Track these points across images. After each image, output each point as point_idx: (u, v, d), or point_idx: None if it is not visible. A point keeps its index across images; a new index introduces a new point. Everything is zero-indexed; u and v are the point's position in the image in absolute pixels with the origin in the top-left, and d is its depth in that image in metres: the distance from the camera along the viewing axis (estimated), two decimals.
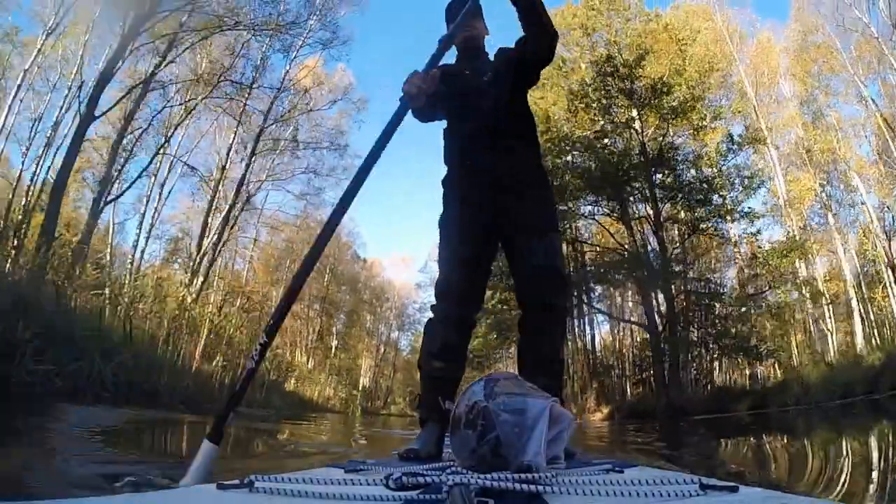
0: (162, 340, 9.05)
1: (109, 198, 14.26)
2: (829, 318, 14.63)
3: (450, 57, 2.06)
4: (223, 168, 17.61)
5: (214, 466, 1.23)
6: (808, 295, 12.99)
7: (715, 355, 13.81)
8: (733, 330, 13.18)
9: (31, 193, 13.04)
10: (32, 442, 2.55)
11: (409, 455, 1.69)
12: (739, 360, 13.13)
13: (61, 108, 14.44)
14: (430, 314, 2.01)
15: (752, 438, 5.58)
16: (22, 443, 2.49)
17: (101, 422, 3.92)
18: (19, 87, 14.26)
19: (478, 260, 1.97)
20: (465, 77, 2.06)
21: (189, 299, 11.47)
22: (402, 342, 38.75)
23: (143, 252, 17.08)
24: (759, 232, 14.10)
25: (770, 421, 8.57)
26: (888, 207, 14.34)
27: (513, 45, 2.07)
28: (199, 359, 9.31)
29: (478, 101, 1.98)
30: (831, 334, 14.45)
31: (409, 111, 1.79)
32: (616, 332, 18.42)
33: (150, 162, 14.91)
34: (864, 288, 14.11)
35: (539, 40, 1.98)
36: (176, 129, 14.96)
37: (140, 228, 16.75)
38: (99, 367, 5.78)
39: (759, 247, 13.83)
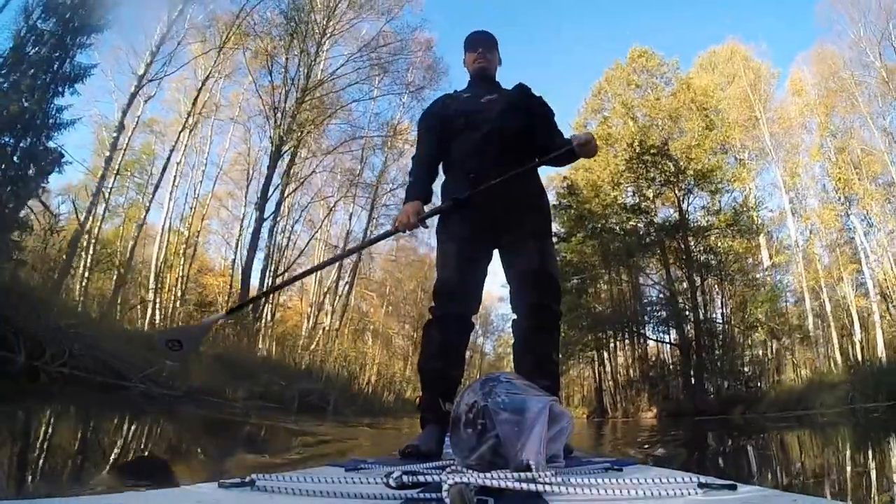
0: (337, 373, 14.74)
1: (278, 272, 20.23)
2: (860, 333, 17.35)
3: (460, 82, 2.45)
4: (347, 233, 23.67)
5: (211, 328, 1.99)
6: (779, 329, 16.44)
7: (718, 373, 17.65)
8: (726, 356, 17.20)
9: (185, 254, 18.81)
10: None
11: (409, 453, 1.71)
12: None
13: (200, 182, 20.24)
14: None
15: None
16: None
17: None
18: (175, 177, 19.87)
19: (474, 263, 2.07)
20: (463, 100, 2.25)
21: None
22: (486, 347, 43.61)
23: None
24: (754, 280, 17.92)
25: (740, 422, 12.14)
26: None
27: (534, 92, 2.29)
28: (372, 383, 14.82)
29: (475, 120, 2.13)
30: (858, 347, 17.21)
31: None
32: (667, 347, 22.11)
33: (307, 244, 20.99)
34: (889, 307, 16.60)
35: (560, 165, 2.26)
36: (323, 221, 20.84)
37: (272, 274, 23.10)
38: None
39: (755, 294, 17.47)
